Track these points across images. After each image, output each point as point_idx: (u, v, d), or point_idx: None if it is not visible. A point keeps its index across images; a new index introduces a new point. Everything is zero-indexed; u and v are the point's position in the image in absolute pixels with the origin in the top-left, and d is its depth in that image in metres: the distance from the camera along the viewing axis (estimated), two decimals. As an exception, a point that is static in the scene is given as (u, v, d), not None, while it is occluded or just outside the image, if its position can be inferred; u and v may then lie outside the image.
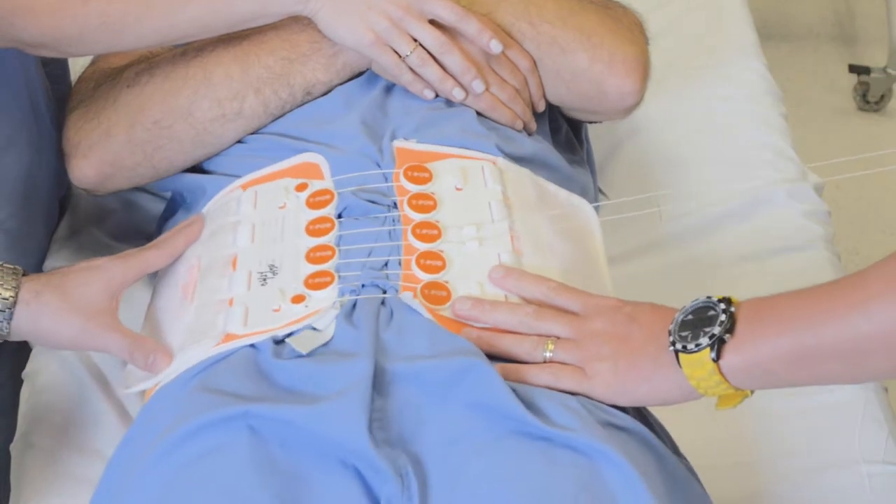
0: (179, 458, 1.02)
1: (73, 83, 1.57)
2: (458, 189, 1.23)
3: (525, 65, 1.36)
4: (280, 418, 1.03)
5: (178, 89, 1.34)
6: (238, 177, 1.31)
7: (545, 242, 1.22)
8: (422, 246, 1.17)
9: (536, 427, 1.01)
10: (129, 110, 1.35)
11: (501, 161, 1.28)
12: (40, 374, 1.37)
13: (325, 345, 1.09)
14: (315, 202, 1.22)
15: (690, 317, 1.02)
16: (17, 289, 1.15)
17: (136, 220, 1.57)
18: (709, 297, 1.03)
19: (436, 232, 1.18)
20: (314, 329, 1.11)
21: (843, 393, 1.37)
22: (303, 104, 1.35)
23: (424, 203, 1.21)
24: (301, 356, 1.09)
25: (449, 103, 1.34)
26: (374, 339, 1.08)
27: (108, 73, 1.42)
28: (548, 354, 1.09)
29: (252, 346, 1.11)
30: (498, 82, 1.35)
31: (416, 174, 1.23)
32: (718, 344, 1.00)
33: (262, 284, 1.16)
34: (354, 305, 1.12)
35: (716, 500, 1.10)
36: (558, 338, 1.09)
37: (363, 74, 1.36)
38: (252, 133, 1.35)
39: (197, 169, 1.38)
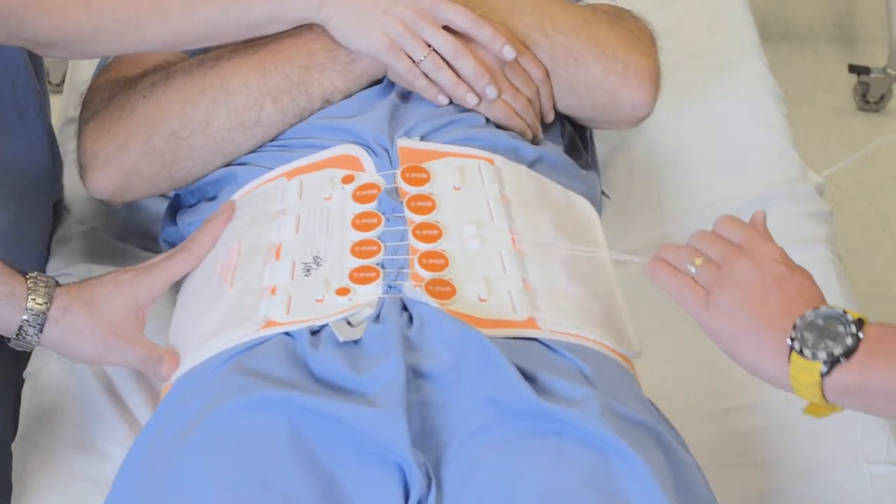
0: (219, 439, 1.03)
1: (71, 81, 1.57)
2: (456, 189, 1.24)
3: (538, 74, 1.36)
4: (322, 411, 1.03)
5: (196, 99, 1.34)
6: (268, 168, 1.31)
7: (547, 239, 1.22)
8: (423, 246, 1.18)
9: (548, 416, 1.02)
10: (145, 121, 1.35)
11: (499, 159, 1.28)
12: (42, 374, 1.37)
13: (355, 341, 1.10)
14: (362, 196, 1.23)
15: (821, 321, 1.01)
16: (49, 301, 1.16)
17: (139, 219, 1.57)
18: (845, 312, 1.01)
19: (436, 232, 1.19)
20: (349, 324, 1.12)
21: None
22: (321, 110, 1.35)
23: (423, 204, 1.22)
24: (335, 349, 1.09)
25: (462, 110, 1.34)
26: (402, 337, 1.09)
27: (121, 82, 1.41)
28: (692, 269, 1.09)
29: (288, 334, 1.12)
30: (511, 91, 1.35)
31: (413, 175, 1.24)
32: (834, 364, 0.99)
33: (306, 275, 1.17)
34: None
35: (718, 499, 1.10)
36: (710, 260, 1.09)
37: (380, 83, 1.36)
38: (272, 140, 1.35)
39: None
